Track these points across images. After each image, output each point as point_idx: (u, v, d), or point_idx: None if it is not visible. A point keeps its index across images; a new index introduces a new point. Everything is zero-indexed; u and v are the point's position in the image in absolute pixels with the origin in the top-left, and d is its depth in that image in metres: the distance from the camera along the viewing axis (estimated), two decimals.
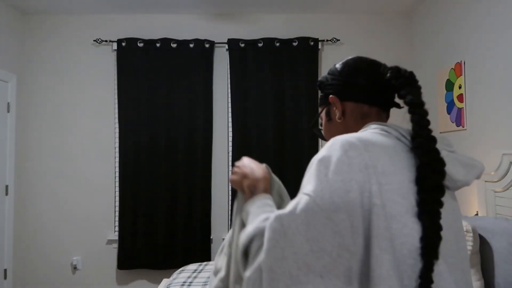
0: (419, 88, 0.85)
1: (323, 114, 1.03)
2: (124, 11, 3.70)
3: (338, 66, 0.98)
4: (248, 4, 3.57)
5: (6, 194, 3.47)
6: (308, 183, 0.74)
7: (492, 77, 2.61)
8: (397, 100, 0.95)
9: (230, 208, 3.66)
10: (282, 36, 3.75)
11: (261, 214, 0.83)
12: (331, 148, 0.76)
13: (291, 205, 0.74)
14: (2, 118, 3.43)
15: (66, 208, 3.69)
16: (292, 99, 3.65)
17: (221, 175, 3.73)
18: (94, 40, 3.72)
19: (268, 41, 3.67)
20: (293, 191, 3.77)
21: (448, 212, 0.80)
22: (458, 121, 2.98)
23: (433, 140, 0.78)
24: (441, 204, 0.74)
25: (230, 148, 3.71)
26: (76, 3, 3.52)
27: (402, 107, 0.92)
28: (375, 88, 0.93)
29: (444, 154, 0.80)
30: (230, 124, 3.72)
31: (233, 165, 3.63)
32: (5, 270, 3.42)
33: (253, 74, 3.66)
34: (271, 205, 0.87)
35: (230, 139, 3.72)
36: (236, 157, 3.60)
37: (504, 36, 2.50)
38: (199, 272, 2.70)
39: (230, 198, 3.69)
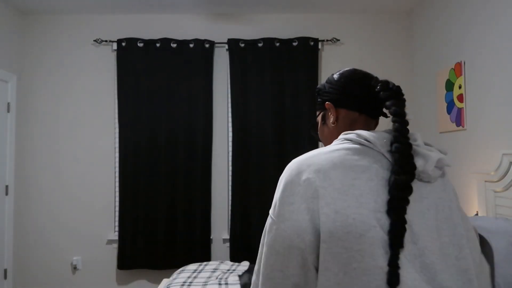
0: (403, 100, 0.97)
1: (319, 118, 1.14)
2: (124, 11, 3.70)
3: (335, 76, 1.10)
4: (248, 4, 3.57)
5: (6, 194, 3.47)
6: (273, 202, 0.93)
7: (492, 77, 2.61)
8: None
9: (230, 208, 3.66)
10: (282, 36, 3.75)
11: None
12: (285, 171, 0.94)
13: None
14: (2, 118, 3.43)
15: (66, 208, 3.69)
16: (292, 99, 3.65)
17: (221, 175, 3.73)
18: (94, 40, 3.72)
19: (268, 41, 3.67)
20: None
21: (421, 202, 0.88)
22: (458, 121, 2.98)
23: (409, 146, 0.89)
24: (407, 201, 0.84)
25: (230, 148, 3.71)
26: (76, 3, 3.52)
27: (388, 117, 1.02)
28: (365, 98, 1.04)
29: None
30: (230, 124, 3.72)
31: (233, 165, 3.63)
32: (5, 270, 3.42)
33: (253, 74, 3.66)
34: None
35: (230, 139, 3.72)
36: (236, 157, 3.61)
37: (504, 36, 2.50)
38: (199, 272, 2.70)
39: (230, 198, 3.69)
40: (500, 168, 2.38)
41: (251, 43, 3.67)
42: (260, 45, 3.68)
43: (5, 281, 3.41)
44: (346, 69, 1.11)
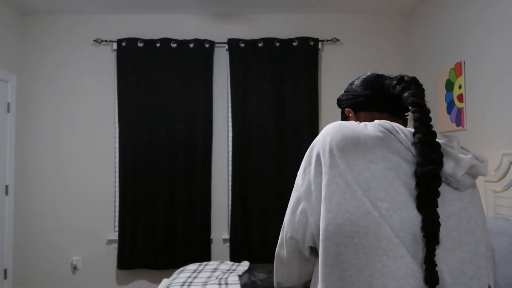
0: (422, 90, 0.95)
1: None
2: (124, 11, 3.70)
3: (353, 82, 1.12)
4: (248, 4, 3.57)
5: (6, 194, 3.47)
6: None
7: (492, 77, 2.61)
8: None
9: (230, 208, 3.66)
10: (282, 36, 3.75)
11: None
12: (314, 141, 0.96)
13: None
14: (2, 118, 3.43)
15: (66, 208, 3.69)
16: (292, 99, 3.65)
17: (221, 175, 3.73)
18: (94, 40, 3.72)
19: (268, 41, 3.67)
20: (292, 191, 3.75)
21: (443, 208, 0.83)
22: (458, 121, 2.98)
23: (432, 134, 0.84)
24: (437, 194, 0.80)
25: (230, 148, 3.71)
26: (76, 3, 3.52)
27: (407, 115, 1.02)
28: (381, 96, 1.03)
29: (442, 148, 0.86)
30: (230, 124, 3.72)
31: (233, 165, 3.63)
32: (5, 270, 3.42)
33: (253, 74, 3.66)
34: None
35: (230, 139, 3.72)
36: (236, 157, 3.61)
37: (504, 36, 2.50)
38: (199, 272, 2.70)
39: (230, 198, 3.69)
40: (500, 168, 2.38)
41: (251, 43, 3.67)
42: (260, 45, 3.68)
43: (5, 281, 3.42)
44: (364, 74, 1.13)
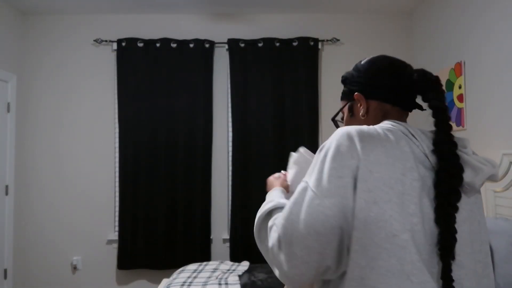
0: (443, 92, 0.89)
1: (345, 110, 1.05)
2: (124, 11, 3.70)
3: (364, 63, 1.00)
4: (248, 4, 3.57)
5: (6, 194, 3.47)
6: (311, 170, 0.83)
7: (492, 77, 2.61)
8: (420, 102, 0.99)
9: (230, 208, 3.66)
10: (282, 36, 3.75)
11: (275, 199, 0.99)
12: (332, 138, 0.83)
13: (292, 199, 0.83)
14: (2, 118, 3.43)
15: (66, 208, 3.69)
16: (292, 99, 3.65)
17: (221, 175, 3.73)
18: (94, 40, 3.72)
19: (268, 41, 3.67)
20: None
21: (460, 214, 0.82)
22: (458, 121, 2.98)
23: (454, 145, 0.82)
24: (456, 209, 0.79)
25: (230, 148, 3.71)
26: (76, 3, 3.52)
27: (425, 110, 0.96)
28: (399, 89, 0.95)
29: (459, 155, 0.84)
30: (230, 124, 3.72)
31: (233, 165, 3.63)
32: (5, 270, 3.42)
33: (253, 74, 3.66)
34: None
35: (230, 139, 3.72)
36: (236, 157, 3.60)
37: (504, 36, 2.50)
38: (199, 272, 2.70)
39: (230, 198, 3.69)
40: (500, 168, 2.38)
41: (251, 43, 3.67)
42: (260, 45, 3.68)
43: (5, 281, 3.41)
44: (376, 56, 1.01)
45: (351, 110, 1.03)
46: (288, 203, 0.82)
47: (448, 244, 0.77)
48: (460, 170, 0.81)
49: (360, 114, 0.98)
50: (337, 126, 1.08)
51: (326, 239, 0.76)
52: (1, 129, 3.42)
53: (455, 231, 0.78)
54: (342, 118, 1.08)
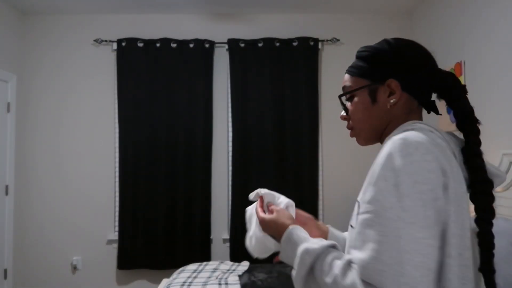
0: (469, 101, 0.85)
1: (364, 92, 0.87)
2: (124, 11, 3.70)
3: (402, 46, 0.86)
4: (248, 4, 3.57)
5: (6, 194, 3.47)
6: (390, 196, 0.69)
7: (492, 77, 2.61)
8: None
9: (230, 208, 3.66)
10: (282, 36, 3.75)
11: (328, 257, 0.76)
12: (405, 153, 0.70)
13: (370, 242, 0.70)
14: (2, 118, 3.43)
15: (66, 208, 3.69)
16: (292, 99, 3.65)
17: (221, 175, 3.73)
18: (94, 40, 3.72)
19: (268, 41, 3.66)
20: (292, 191, 3.75)
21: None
22: None
23: (481, 156, 0.78)
24: (492, 225, 0.76)
25: (230, 148, 3.71)
26: (76, 3, 3.52)
27: (441, 114, 0.91)
28: (432, 88, 0.87)
29: None
30: (230, 124, 3.72)
31: (233, 165, 3.63)
32: (5, 270, 3.42)
33: (253, 74, 3.66)
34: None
35: (230, 139, 3.72)
36: (236, 157, 3.60)
37: (504, 36, 2.50)
38: (199, 272, 2.70)
39: (230, 198, 3.69)
40: (500, 168, 2.38)
41: (251, 43, 3.66)
42: (260, 45, 3.67)
43: (5, 281, 3.41)
44: (414, 41, 0.89)
45: (373, 95, 0.86)
46: None
47: (487, 259, 0.75)
48: (492, 186, 0.78)
49: (388, 104, 0.84)
50: (343, 104, 0.94)
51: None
52: (1, 129, 3.42)
53: (493, 246, 0.76)
54: (348, 99, 0.92)
